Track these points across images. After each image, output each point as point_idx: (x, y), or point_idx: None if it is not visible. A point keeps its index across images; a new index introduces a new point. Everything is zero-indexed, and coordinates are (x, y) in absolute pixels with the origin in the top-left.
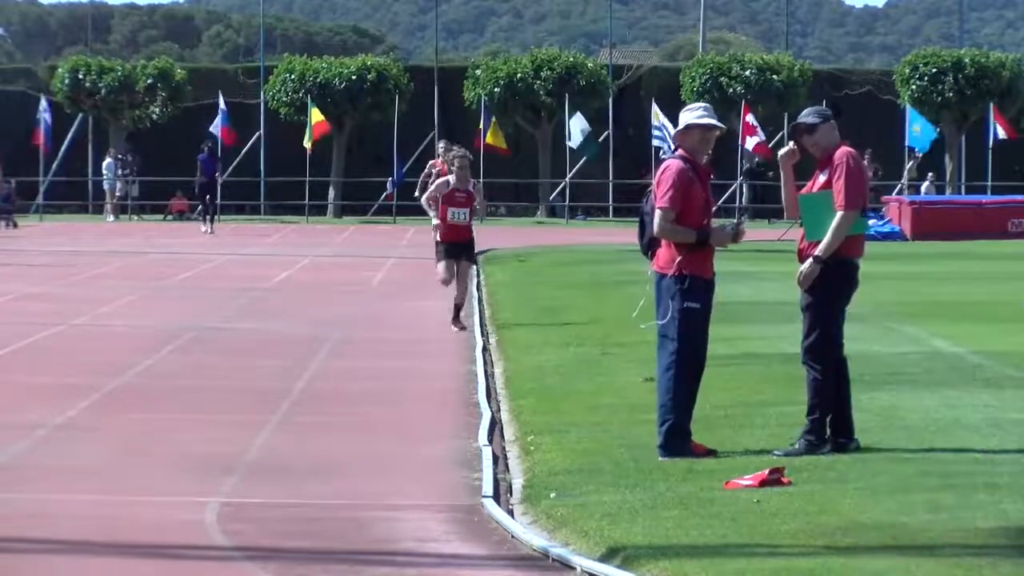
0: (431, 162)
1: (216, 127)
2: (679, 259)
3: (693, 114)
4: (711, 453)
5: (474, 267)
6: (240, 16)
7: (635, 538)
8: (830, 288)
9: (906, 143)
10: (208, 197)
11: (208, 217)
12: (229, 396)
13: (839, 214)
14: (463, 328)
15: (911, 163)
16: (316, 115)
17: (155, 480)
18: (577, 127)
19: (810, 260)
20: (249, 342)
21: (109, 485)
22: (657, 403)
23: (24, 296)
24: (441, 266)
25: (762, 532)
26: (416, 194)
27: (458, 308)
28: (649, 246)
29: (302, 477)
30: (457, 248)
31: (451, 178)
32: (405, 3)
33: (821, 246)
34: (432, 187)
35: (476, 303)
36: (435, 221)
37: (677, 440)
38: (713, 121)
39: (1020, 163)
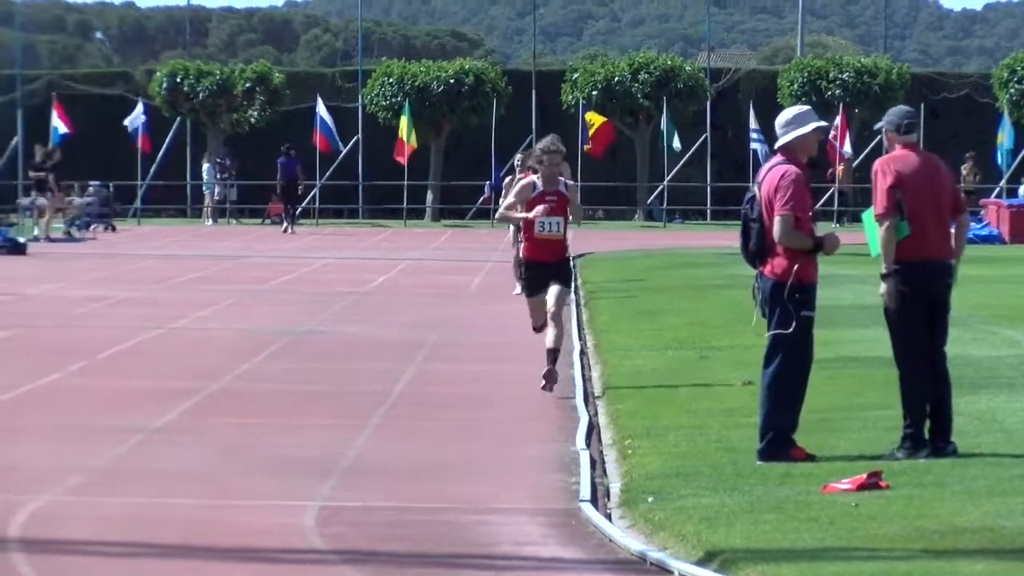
0: (509, 179)
1: (333, 136)
2: (796, 267)
3: (807, 116)
4: (809, 458)
5: (571, 295)
6: (338, 20)
7: (733, 542)
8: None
9: (999, 150)
10: (289, 199)
11: (290, 218)
12: (327, 400)
13: (877, 225)
14: (552, 385)
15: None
16: (404, 130)
17: (253, 484)
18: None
19: (887, 280)
20: (347, 346)
21: (207, 489)
22: (763, 408)
23: (123, 300)
24: (530, 303)
25: (860, 536)
26: (496, 216)
27: (553, 354)
28: (757, 254)
29: (400, 480)
30: (546, 272)
31: (536, 179)
32: (503, 7)
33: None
34: (512, 193)
35: (574, 306)
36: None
37: (778, 445)
38: (824, 123)
39: None
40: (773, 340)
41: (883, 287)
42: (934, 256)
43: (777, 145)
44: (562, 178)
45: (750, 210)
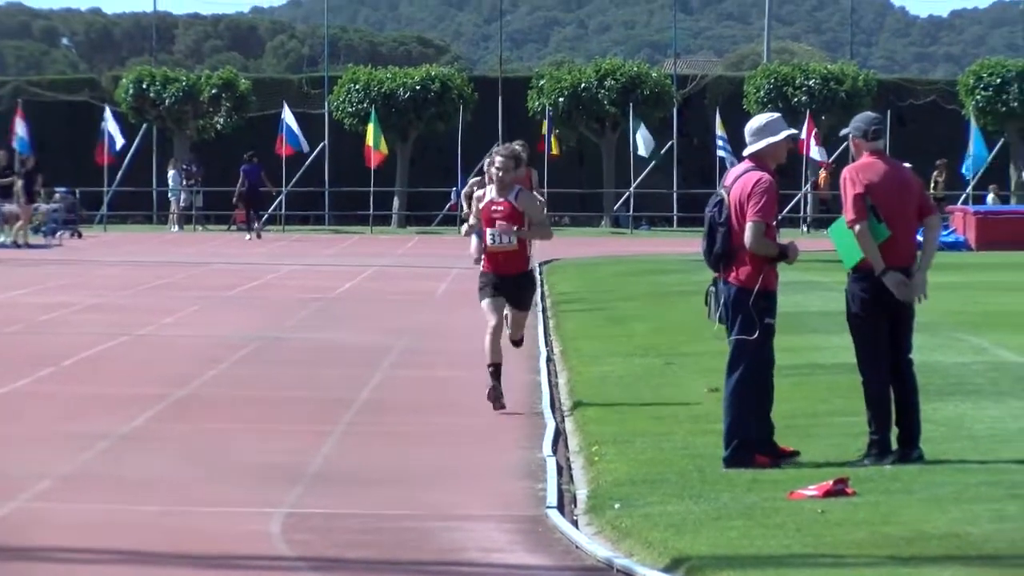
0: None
1: (297, 139)
2: (762, 274)
3: (779, 124)
4: (775, 464)
5: (528, 316)
6: (304, 26)
7: (700, 548)
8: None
9: (968, 158)
10: (252, 205)
11: (254, 224)
12: (294, 406)
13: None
14: (501, 403)
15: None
16: (371, 137)
17: (219, 490)
18: (642, 140)
19: (887, 275)
20: (313, 352)
21: (173, 495)
22: (728, 415)
23: (89, 306)
24: (485, 305)
25: (827, 542)
26: (462, 230)
27: (515, 344)
28: (721, 257)
29: (367, 487)
30: (505, 285)
31: (490, 188)
32: (469, 13)
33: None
34: (472, 212)
35: (540, 313)
36: (469, 236)
37: (744, 452)
38: (794, 131)
39: None
40: (736, 348)
41: (889, 284)
42: (899, 264)
43: (747, 152)
44: (517, 187)
45: (717, 214)
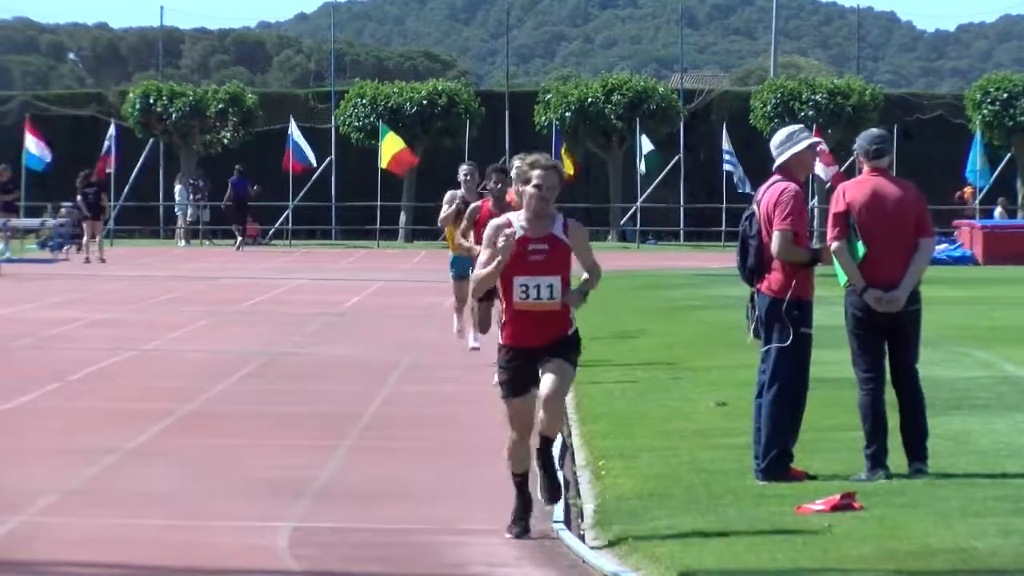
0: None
1: (304, 154)
2: (794, 283)
3: (800, 134)
4: (810, 478)
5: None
6: (311, 41)
7: (706, 563)
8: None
9: (967, 173)
10: (239, 218)
11: (239, 237)
12: (300, 421)
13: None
14: (524, 527)
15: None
16: (395, 142)
17: (226, 505)
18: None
19: (865, 292)
20: (320, 367)
21: (180, 510)
22: (766, 427)
23: (95, 321)
24: (510, 408)
25: (833, 557)
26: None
27: (547, 442)
28: (755, 271)
29: (373, 502)
30: (536, 358)
31: (517, 217)
32: (476, 28)
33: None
34: (485, 250)
35: None
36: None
37: (781, 465)
38: (817, 139)
39: None
40: (775, 359)
41: (868, 300)
42: (881, 281)
43: (775, 165)
44: (561, 216)
45: (748, 227)
